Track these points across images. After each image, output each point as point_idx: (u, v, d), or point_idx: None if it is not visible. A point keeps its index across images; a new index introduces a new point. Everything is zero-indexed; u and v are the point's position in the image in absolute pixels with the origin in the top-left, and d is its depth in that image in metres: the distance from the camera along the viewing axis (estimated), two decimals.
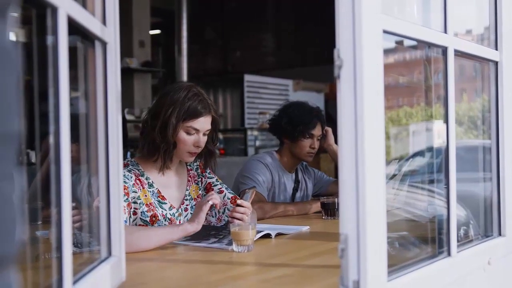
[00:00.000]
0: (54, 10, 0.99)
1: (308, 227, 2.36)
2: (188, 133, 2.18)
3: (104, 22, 1.34)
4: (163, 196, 2.23)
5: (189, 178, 2.36)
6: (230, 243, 1.91)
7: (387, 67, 1.26)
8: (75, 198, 1.09)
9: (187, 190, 2.34)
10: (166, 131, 2.15)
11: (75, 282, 1.08)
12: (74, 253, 1.06)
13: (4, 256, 0.56)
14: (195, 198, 2.35)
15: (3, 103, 0.57)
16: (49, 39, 1.01)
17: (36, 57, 1.06)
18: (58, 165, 1.00)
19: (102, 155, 1.35)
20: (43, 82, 1.03)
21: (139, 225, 2.14)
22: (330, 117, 6.19)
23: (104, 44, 1.34)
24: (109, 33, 1.36)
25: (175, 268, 1.71)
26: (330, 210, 2.63)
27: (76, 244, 1.33)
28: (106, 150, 1.36)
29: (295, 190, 3.12)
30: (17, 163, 0.60)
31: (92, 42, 1.32)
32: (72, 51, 1.08)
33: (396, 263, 1.34)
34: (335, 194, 2.97)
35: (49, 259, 1.38)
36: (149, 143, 2.19)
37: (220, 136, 7.59)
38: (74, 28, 1.11)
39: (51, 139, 1.00)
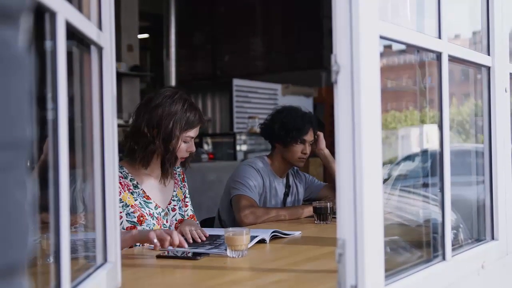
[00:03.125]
0: (53, 15, 0.98)
1: (300, 232, 2.36)
2: (185, 142, 2.28)
3: (100, 27, 1.33)
4: (148, 196, 2.28)
5: (176, 181, 2.44)
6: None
7: None
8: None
9: (174, 191, 2.41)
10: (169, 143, 2.22)
11: None
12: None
13: (18, 263, 0.56)
14: (182, 200, 2.43)
15: (16, 109, 0.56)
16: (47, 44, 1.01)
17: (32, 61, 1.05)
18: (56, 171, 0.99)
19: (97, 160, 1.35)
20: (39, 86, 1.02)
21: (126, 227, 2.16)
22: (318, 122, 6.19)
23: (100, 49, 1.33)
24: (105, 38, 1.35)
25: (171, 274, 1.70)
26: (323, 215, 2.63)
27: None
28: (102, 155, 1.35)
29: (286, 195, 3.12)
30: (28, 170, 0.60)
31: (88, 47, 1.31)
32: (67, 56, 1.07)
33: (393, 268, 1.34)
34: (326, 198, 2.97)
35: (44, 265, 1.37)
36: (149, 154, 2.24)
37: (209, 140, 7.58)
38: (70, 32, 1.10)
39: (50, 145, 0.99)
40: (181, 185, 2.48)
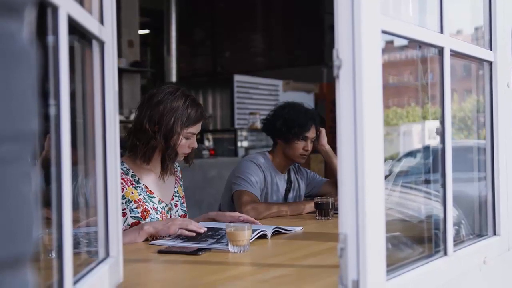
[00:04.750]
0: (55, 9, 0.98)
1: (301, 227, 2.36)
2: (186, 138, 2.29)
3: (101, 21, 1.33)
4: (151, 190, 2.30)
5: (176, 177, 2.47)
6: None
7: None
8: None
9: (175, 187, 2.43)
10: (170, 139, 2.24)
11: (75, 282, 1.08)
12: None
13: (22, 255, 0.57)
14: (182, 196, 2.46)
15: (21, 102, 0.57)
16: (49, 38, 1.00)
17: (38, 55, 1.05)
18: (58, 165, 0.99)
19: (99, 155, 1.35)
20: (42, 81, 1.02)
21: (131, 223, 2.17)
22: (320, 118, 6.18)
23: (101, 44, 1.33)
24: (107, 33, 1.35)
25: (173, 269, 1.71)
26: (324, 210, 2.63)
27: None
28: (104, 150, 1.35)
29: (287, 190, 3.11)
30: (34, 162, 0.60)
31: (89, 42, 1.31)
32: (69, 51, 1.07)
33: (394, 263, 1.35)
34: (328, 194, 2.97)
35: (46, 260, 1.37)
36: (150, 149, 2.25)
37: (210, 136, 7.58)
38: (72, 27, 1.10)
39: (52, 140, 0.99)
40: (181, 183, 2.51)
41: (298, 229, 2.33)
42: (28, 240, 0.57)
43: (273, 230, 2.17)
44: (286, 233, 2.24)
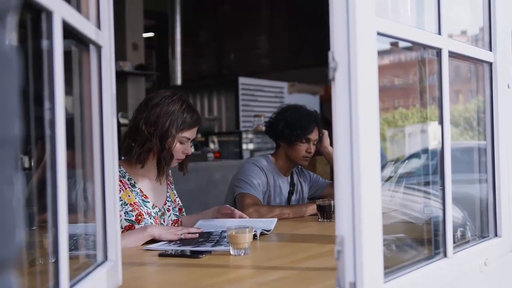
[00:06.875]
0: (49, 14, 0.99)
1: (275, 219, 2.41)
2: (181, 143, 2.31)
3: (98, 26, 1.34)
4: (145, 195, 2.32)
5: (168, 182, 2.49)
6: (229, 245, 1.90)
7: (382, 69, 1.26)
8: (70, 203, 1.08)
9: (167, 192, 2.45)
10: (165, 141, 2.26)
11: (71, 286, 1.08)
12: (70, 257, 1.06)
13: (4, 260, 0.57)
14: (174, 201, 2.48)
15: (3, 107, 0.57)
16: (44, 43, 1.01)
17: (30, 61, 1.06)
18: (54, 170, 1.00)
19: (97, 159, 1.35)
20: (37, 86, 1.02)
21: (125, 226, 2.18)
22: (325, 120, 6.17)
23: (98, 48, 1.34)
24: (104, 37, 1.35)
25: (172, 272, 1.71)
26: (326, 213, 2.63)
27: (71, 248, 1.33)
28: (102, 154, 1.35)
29: (290, 193, 3.11)
30: (17, 167, 0.60)
31: (87, 46, 1.32)
32: (66, 55, 1.07)
33: (393, 265, 1.34)
34: (331, 196, 2.97)
35: (44, 264, 1.37)
36: (146, 151, 2.27)
37: (215, 139, 7.58)
38: (68, 31, 1.11)
39: (47, 144, 0.99)
40: (172, 186, 2.53)
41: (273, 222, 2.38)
42: (10, 244, 0.58)
43: (260, 231, 2.21)
44: (267, 233, 2.26)
